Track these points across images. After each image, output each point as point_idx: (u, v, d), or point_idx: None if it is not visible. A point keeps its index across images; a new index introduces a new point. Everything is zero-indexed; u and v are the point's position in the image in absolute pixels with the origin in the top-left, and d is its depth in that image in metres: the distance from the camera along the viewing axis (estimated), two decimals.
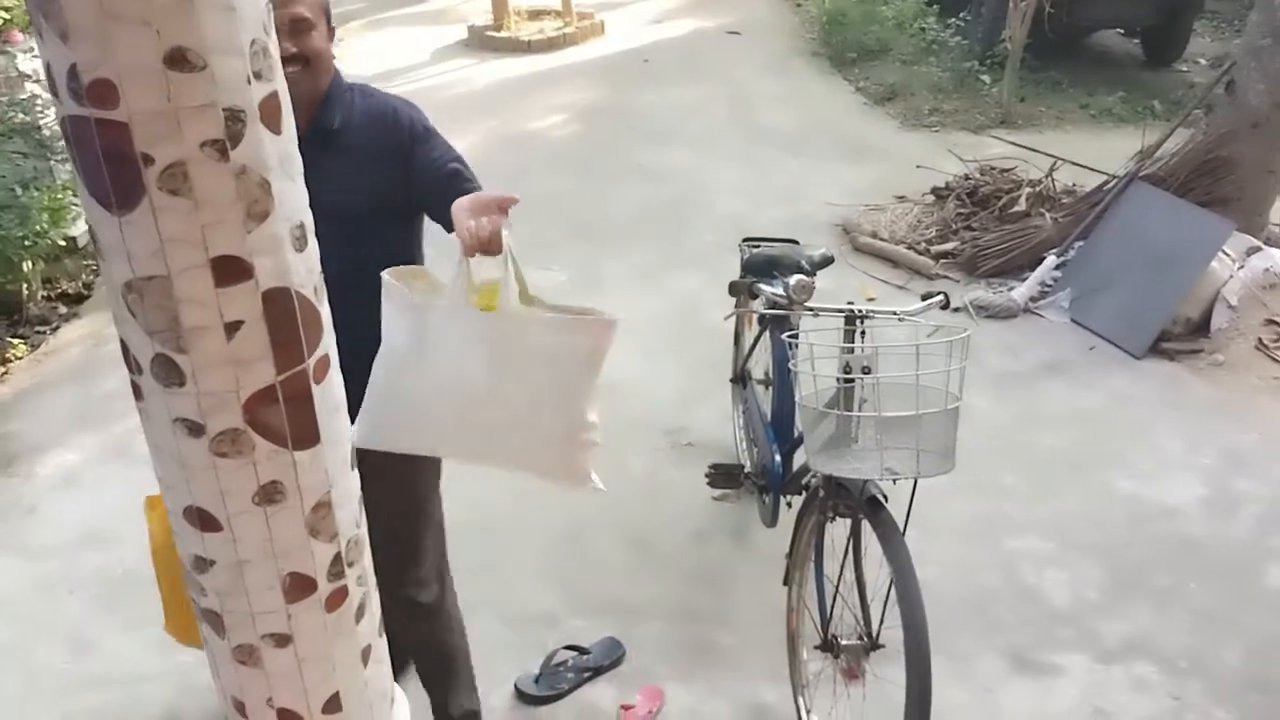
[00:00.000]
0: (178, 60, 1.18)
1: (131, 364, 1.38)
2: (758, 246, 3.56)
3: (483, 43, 10.30)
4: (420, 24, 11.32)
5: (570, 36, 10.22)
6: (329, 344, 1.48)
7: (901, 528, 2.45)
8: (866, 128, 7.61)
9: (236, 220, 1.28)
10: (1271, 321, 4.30)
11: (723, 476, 3.41)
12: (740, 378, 3.67)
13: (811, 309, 2.67)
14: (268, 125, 1.29)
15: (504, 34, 10.32)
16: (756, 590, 3.25)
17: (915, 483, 2.40)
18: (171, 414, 1.38)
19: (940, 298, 2.67)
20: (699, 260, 5.39)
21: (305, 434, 1.44)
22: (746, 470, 3.41)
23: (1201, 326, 4.43)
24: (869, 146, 7.16)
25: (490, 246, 1.96)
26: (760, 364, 3.52)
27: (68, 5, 1.15)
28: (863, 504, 2.50)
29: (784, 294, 2.69)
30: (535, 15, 10.96)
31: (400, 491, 2.41)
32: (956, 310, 4.84)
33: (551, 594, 3.33)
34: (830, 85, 8.72)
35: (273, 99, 1.29)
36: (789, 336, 2.56)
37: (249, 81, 1.25)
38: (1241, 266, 4.47)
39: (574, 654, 3.06)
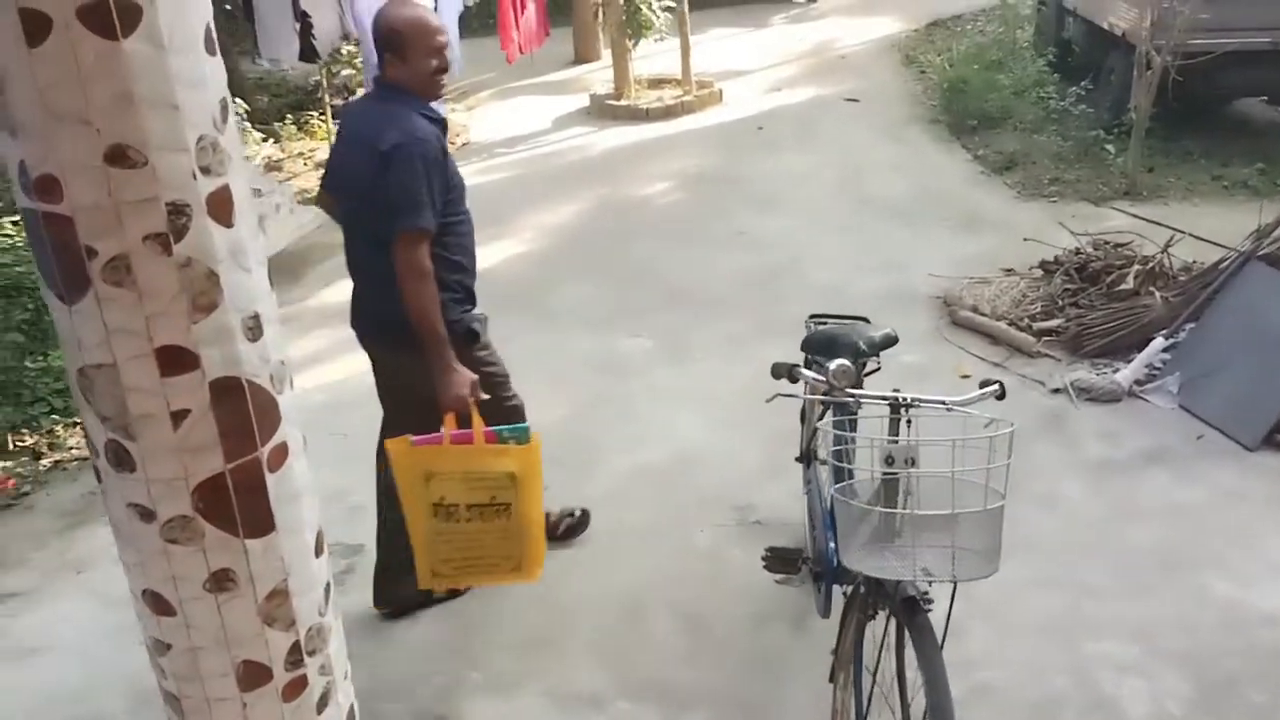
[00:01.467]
0: (118, 157, 1.21)
1: (91, 448, 1.42)
2: (825, 323, 3.47)
3: (603, 111, 10.52)
4: (546, 93, 11.64)
5: (688, 104, 10.34)
6: (287, 432, 1.48)
7: (940, 634, 2.30)
8: (981, 197, 7.40)
9: (181, 311, 1.30)
10: None
11: (779, 561, 3.29)
12: (805, 457, 3.56)
13: (853, 395, 2.56)
14: (216, 218, 1.31)
15: (624, 102, 10.52)
16: (810, 682, 3.10)
17: (955, 586, 2.25)
18: (125, 499, 1.40)
19: (995, 388, 2.52)
20: (788, 331, 5.22)
21: (258, 523, 1.45)
22: (805, 555, 3.28)
23: None
24: (981, 217, 6.95)
25: None
26: (826, 445, 3.40)
27: (14, 103, 1.19)
28: (898, 605, 2.36)
29: (824, 379, 2.59)
30: (656, 84, 11.14)
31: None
32: (1056, 391, 4.61)
33: (601, 673, 3.26)
34: (947, 153, 8.53)
35: (222, 193, 1.32)
36: (826, 425, 2.46)
37: (195, 177, 1.28)
38: None
39: None
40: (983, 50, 10.36)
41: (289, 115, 10.30)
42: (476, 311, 3.33)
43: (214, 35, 1.29)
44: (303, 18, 6.95)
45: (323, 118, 9.80)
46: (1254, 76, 7.84)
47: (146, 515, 1.39)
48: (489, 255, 6.79)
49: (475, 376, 3.04)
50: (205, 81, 1.27)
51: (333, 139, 3.43)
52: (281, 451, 1.46)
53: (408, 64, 3.01)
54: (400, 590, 3.43)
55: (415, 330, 2.98)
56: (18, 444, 4.80)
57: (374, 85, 3.20)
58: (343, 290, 6.38)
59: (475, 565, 3.03)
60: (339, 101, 10.81)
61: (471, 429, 2.94)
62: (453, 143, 9.97)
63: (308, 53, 7.18)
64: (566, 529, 3.88)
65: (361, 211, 3.09)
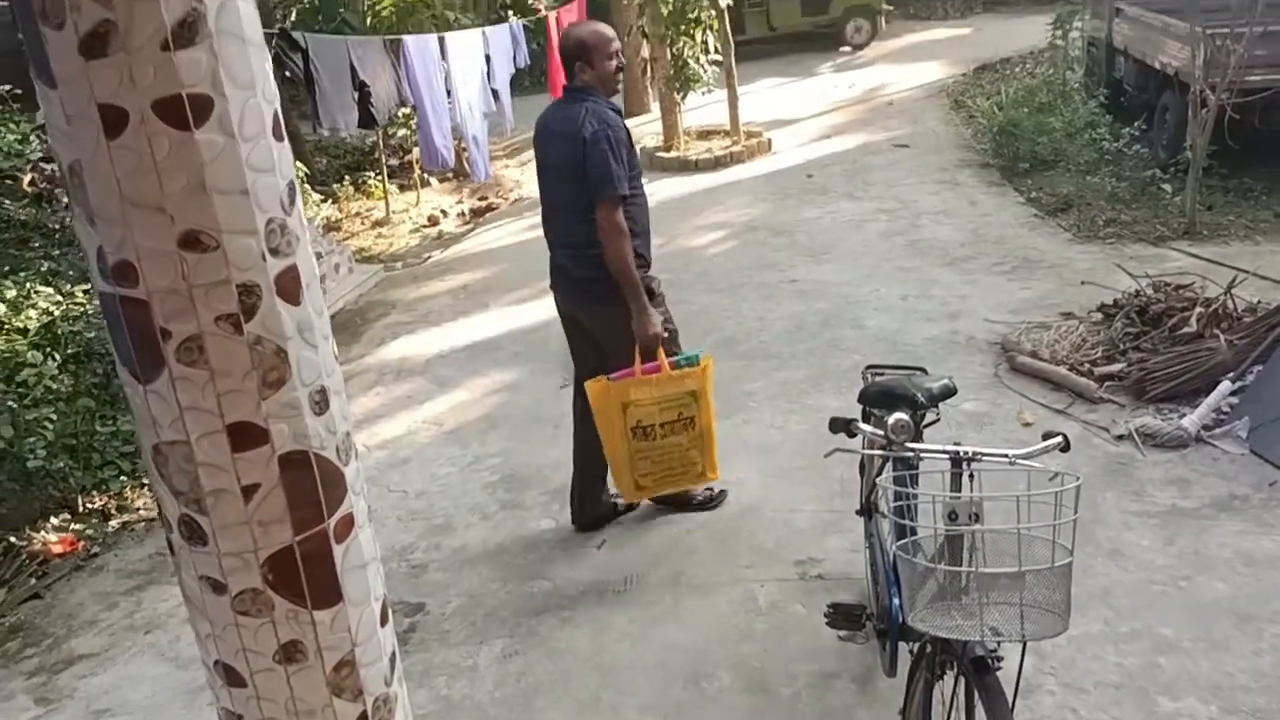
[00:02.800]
0: (191, 242, 1.25)
1: (165, 522, 1.45)
2: (881, 374, 3.44)
3: (652, 163, 10.63)
4: None
5: (737, 154, 10.42)
6: (353, 503, 1.50)
7: (1011, 694, 2.25)
8: (1036, 240, 7.32)
9: (252, 388, 1.33)
10: None
11: (843, 617, 3.24)
12: (866, 510, 3.52)
13: (912, 449, 2.54)
14: (285, 298, 1.34)
15: (673, 154, 10.64)
16: None
17: (1024, 645, 2.20)
18: (198, 572, 1.43)
19: (1059, 439, 2.47)
20: (845, 380, 5.26)
21: (325, 594, 1.46)
22: (869, 611, 3.23)
23: None
24: (1037, 260, 6.88)
25: None
26: (887, 500, 3.36)
27: (93, 193, 1.24)
28: (967, 665, 2.31)
29: (882, 434, 2.57)
30: (704, 135, 11.25)
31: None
32: (1121, 438, 4.51)
33: None
34: (1000, 197, 8.48)
35: (290, 272, 1.35)
36: (887, 480, 2.43)
37: (264, 258, 1.31)
38: None
39: None
40: (1032, 93, 10.31)
41: (347, 176, 10.55)
42: (651, 274, 3.98)
43: (281, 121, 1.34)
44: (361, 87, 7.18)
45: (379, 178, 10.03)
46: None
47: (218, 588, 1.42)
48: (538, 311, 6.88)
49: (663, 317, 3.84)
50: (274, 166, 1.31)
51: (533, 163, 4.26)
52: (348, 522, 1.48)
53: (595, 69, 3.78)
54: (590, 511, 4.25)
55: (611, 282, 3.72)
56: (87, 505, 4.91)
57: (564, 91, 3.92)
58: (399, 348, 6.50)
59: (669, 474, 3.84)
60: (395, 161, 11.08)
61: (652, 363, 3.74)
62: (504, 199, 10.15)
63: (366, 120, 7.41)
64: (704, 499, 4.32)
65: (566, 190, 3.81)
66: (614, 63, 3.81)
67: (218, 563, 1.40)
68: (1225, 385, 4.45)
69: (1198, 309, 4.99)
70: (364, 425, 5.46)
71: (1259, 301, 5.13)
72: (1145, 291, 5.50)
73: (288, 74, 6.92)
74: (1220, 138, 6.96)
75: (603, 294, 3.78)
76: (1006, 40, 14.55)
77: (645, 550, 4.09)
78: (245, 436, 1.34)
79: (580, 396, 4.05)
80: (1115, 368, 4.97)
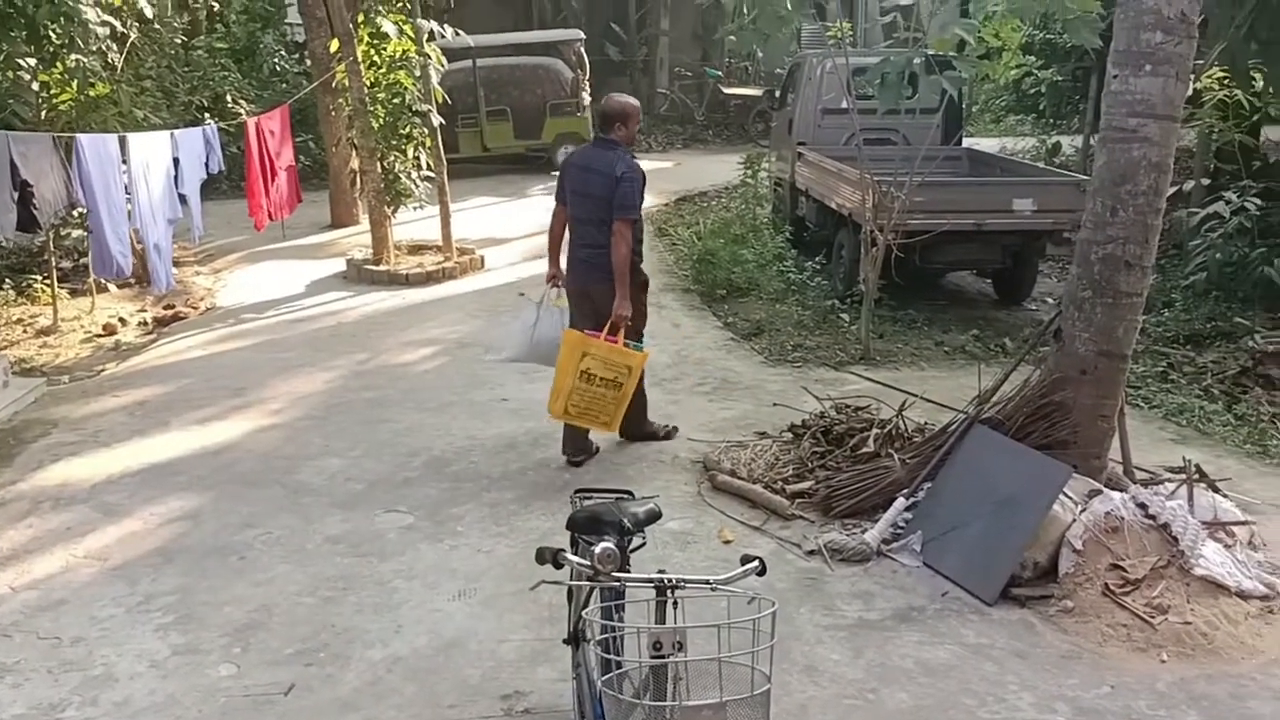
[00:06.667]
0: None
1: None
2: (590, 497, 3.42)
3: (361, 276, 10.38)
4: (300, 257, 11.39)
5: (449, 270, 10.38)
6: None
7: None
8: (733, 363, 7.72)
9: None
10: (1116, 566, 4.26)
11: None
12: (574, 639, 3.43)
13: (618, 579, 2.50)
14: None
15: (383, 267, 10.42)
16: None
17: None
18: None
19: (756, 564, 2.53)
20: (556, 500, 5.20)
21: None
22: None
23: (1050, 571, 4.36)
24: (735, 382, 7.24)
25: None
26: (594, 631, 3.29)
27: None
28: None
29: (588, 563, 2.52)
30: (416, 250, 11.15)
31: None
32: (811, 553, 4.73)
33: None
34: (700, 320, 8.91)
35: None
36: (593, 613, 2.38)
37: None
38: (1083, 509, 4.48)
39: None
40: (727, 225, 11.03)
41: (8, 280, 9.53)
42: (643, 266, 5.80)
43: None
44: (23, 187, 6.50)
45: (47, 282, 9.11)
46: (963, 252, 8.78)
47: None
48: (226, 430, 6.41)
49: (634, 310, 5.45)
50: None
51: (555, 182, 5.85)
52: None
53: (627, 130, 5.55)
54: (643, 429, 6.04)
55: (612, 272, 5.34)
56: None
57: (597, 140, 5.63)
58: (60, 472, 5.81)
59: (587, 414, 5.37)
60: (67, 264, 10.13)
61: (615, 336, 5.30)
62: (194, 308, 9.53)
63: (26, 222, 6.68)
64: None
65: (595, 208, 5.41)
66: (638, 128, 5.72)
67: None
68: (900, 502, 4.80)
69: (874, 430, 5.39)
70: (10, 563, 4.78)
71: (926, 423, 5.61)
72: (829, 413, 5.90)
73: None
74: (889, 273, 7.72)
75: (609, 279, 5.36)
76: (704, 175, 15.62)
77: (338, 694, 3.78)
78: None
79: None
80: (805, 485, 5.24)
